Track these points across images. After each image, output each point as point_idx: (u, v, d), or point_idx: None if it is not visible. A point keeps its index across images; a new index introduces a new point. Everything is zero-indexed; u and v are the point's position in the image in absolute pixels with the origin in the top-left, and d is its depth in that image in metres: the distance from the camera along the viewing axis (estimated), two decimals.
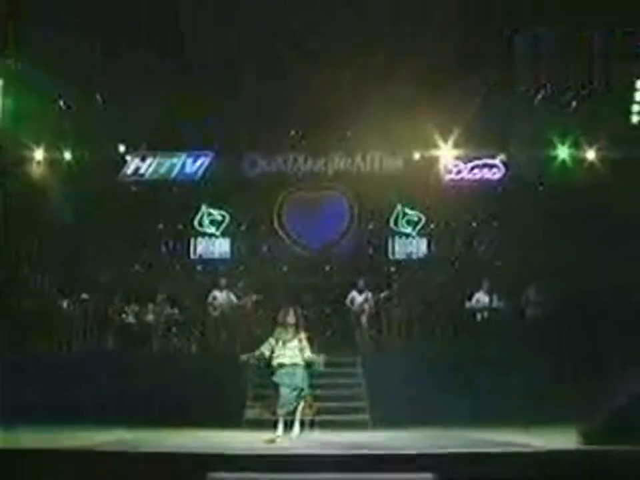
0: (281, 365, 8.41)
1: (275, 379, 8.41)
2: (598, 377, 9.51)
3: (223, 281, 12.75)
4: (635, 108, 13.61)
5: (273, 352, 8.47)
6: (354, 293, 12.60)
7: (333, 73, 13.46)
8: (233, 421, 9.80)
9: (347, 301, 12.60)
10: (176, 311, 12.76)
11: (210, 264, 14.97)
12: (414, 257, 14.86)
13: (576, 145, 14.28)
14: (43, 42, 13.04)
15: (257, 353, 8.54)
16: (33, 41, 13.01)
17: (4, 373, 9.28)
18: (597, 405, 7.29)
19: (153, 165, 15.06)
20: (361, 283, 12.61)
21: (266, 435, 8.22)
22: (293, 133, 15.08)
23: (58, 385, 10.23)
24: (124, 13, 12.83)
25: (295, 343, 8.49)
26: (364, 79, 13.53)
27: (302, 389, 8.45)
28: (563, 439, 7.10)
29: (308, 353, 8.49)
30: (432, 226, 15.05)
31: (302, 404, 8.53)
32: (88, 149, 14.75)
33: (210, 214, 15.13)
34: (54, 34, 12.85)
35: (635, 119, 13.67)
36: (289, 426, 8.48)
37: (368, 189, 14.80)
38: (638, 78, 13.51)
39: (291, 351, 8.43)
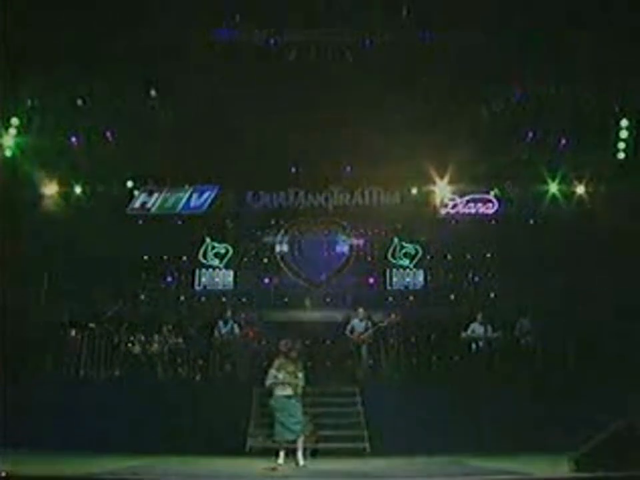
0: (281, 395, 8.80)
1: (275, 408, 8.80)
2: (588, 405, 9.86)
3: (227, 313, 13.11)
4: (621, 145, 14.25)
5: (274, 383, 8.88)
6: (354, 322, 12.85)
7: (333, 112, 14.07)
8: (236, 449, 10.10)
9: (347, 330, 12.79)
10: (180, 340, 13.11)
11: (213, 295, 15.39)
12: (411, 288, 15.28)
13: (566, 181, 14.87)
14: (52, 84, 13.76)
15: (267, 383, 8.94)
16: (41, 82, 13.70)
17: (13, 399, 9.60)
18: (588, 433, 7.65)
19: (160, 199, 15.65)
20: (361, 311, 12.88)
21: (268, 464, 8.55)
22: (294, 169, 15.63)
23: (62, 413, 10.51)
24: (130, 54, 13.49)
25: (295, 373, 8.89)
26: (362, 118, 14.12)
27: (300, 418, 8.81)
28: (556, 467, 7.42)
29: (302, 383, 8.90)
30: (428, 258, 15.52)
31: (303, 433, 8.90)
32: (96, 185, 15.36)
33: (214, 247, 15.64)
34: (63, 75, 13.57)
35: (620, 155, 14.29)
36: (289, 454, 8.82)
37: (366, 223, 15.39)
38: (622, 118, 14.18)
39: (290, 381, 8.82)
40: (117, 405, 10.78)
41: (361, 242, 15.52)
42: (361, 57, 14.31)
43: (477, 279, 15.36)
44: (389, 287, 15.36)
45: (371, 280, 15.44)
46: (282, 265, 15.50)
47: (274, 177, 15.44)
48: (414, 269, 15.39)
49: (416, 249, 15.46)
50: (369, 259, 15.53)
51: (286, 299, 15.39)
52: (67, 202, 15.25)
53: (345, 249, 15.53)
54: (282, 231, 15.62)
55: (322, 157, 14.77)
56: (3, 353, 9.75)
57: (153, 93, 14.57)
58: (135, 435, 10.11)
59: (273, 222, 15.56)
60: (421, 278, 15.33)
